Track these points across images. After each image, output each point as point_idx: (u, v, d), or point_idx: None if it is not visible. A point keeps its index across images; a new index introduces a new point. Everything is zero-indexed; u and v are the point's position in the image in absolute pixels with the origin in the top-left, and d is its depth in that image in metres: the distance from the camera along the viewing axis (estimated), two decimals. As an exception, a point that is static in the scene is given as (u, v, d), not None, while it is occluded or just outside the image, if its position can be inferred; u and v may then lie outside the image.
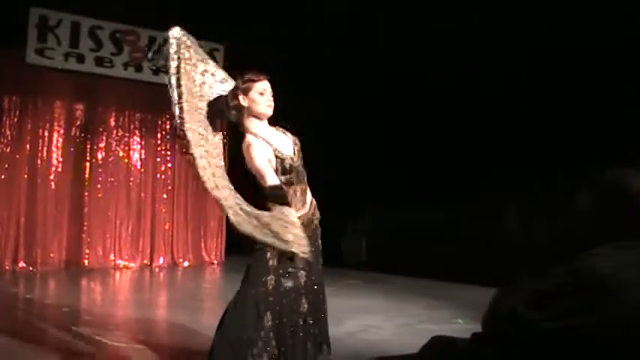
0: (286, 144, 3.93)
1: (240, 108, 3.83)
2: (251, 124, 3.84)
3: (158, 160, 11.19)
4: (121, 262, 10.55)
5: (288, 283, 3.82)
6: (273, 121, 3.95)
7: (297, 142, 3.98)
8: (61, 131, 10.18)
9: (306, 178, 3.96)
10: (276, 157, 3.80)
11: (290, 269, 3.83)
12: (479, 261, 8.78)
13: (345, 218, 11.87)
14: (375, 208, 11.24)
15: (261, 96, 3.82)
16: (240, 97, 3.82)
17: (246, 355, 3.71)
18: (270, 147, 3.80)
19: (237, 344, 3.73)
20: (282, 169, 3.81)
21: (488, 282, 3.74)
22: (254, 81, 3.84)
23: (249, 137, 3.81)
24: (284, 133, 4.01)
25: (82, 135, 10.43)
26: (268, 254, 3.76)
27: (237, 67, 11.07)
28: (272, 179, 3.66)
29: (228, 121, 3.95)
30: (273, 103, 3.87)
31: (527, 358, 1.57)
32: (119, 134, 10.75)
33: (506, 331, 1.64)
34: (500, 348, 1.64)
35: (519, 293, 1.69)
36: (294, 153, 3.91)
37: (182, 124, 3.47)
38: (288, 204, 3.62)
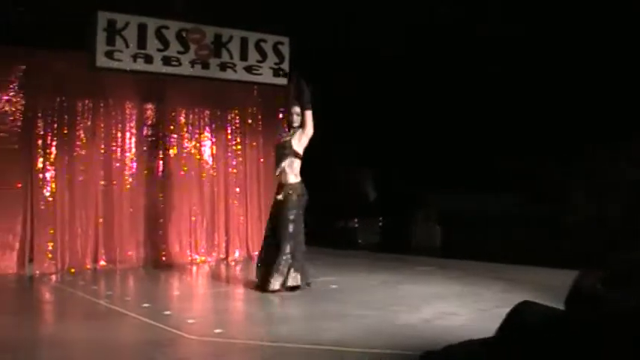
0: None
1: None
2: None
3: (229, 154, 11.28)
4: (197, 257, 10.70)
5: None
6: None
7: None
8: (133, 131, 10.36)
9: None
10: None
11: None
12: (551, 243, 8.61)
13: (417, 206, 11.79)
14: (445, 194, 11.12)
15: None
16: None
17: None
18: None
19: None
20: None
21: (562, 264, 3.65)
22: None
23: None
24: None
25: (154, 134, 10.63)
26: None
27: (304, 58, 11.03)
28: None
29: None
30: None
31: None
32: (189, 131, 10.89)
33: (587, 311, 1.60)
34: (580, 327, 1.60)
35: (599, 274, 1.65)
36: None
37: None
38: None
